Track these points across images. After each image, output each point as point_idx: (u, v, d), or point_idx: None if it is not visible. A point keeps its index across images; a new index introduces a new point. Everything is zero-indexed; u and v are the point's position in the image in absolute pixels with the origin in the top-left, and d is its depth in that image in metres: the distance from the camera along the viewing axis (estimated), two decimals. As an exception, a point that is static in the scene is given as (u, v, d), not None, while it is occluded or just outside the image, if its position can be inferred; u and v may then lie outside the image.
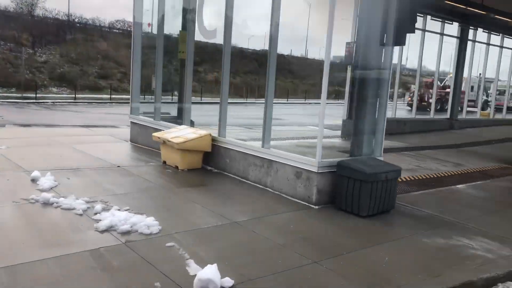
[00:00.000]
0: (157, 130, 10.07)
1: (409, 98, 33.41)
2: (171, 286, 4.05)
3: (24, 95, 26.30)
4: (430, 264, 4.99)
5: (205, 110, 17.25)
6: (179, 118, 11.26)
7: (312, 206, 6.79)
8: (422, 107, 26.30)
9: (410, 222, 6.51)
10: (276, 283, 4.29)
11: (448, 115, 21.12)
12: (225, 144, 8.56)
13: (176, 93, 12.16)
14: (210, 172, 8.66)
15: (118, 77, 36.35)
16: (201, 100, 28.83)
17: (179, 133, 8.81)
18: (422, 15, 18.14)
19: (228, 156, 8.49)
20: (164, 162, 9.01)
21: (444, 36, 19.75)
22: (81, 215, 5.66)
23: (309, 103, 37.03)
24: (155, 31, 10.85)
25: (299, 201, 6.99)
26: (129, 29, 44.55)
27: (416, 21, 7.32)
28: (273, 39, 7.64)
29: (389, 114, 15.36)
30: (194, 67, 10.09)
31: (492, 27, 21.30)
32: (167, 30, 10.94)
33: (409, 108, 29.28)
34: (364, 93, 7.33)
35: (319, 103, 6.90)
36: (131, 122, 11.65)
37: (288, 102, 37.08)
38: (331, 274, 4.56)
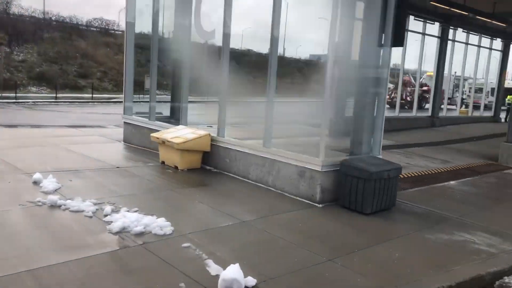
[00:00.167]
0: (152, 130, 10.01)
1: (388, 97, 33.87)
2: (196, 287, 4.10)
3: (2, 95, 25.67)
4: (438, 260, 5.16)
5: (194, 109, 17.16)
6: (172, 118, 11.25)
7: (316, 204, 6.91)
8: (400, 105, 26.76)
9: (412, 218, 6.69)
10: (296, 281, 4.38)
11: (429, 113, 21.63)
12: (225, 144, 8.60)
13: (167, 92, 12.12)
14: (209, 171, 8.69)
15: (98, 76, 35.86)
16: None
17: (177, 133, 8.81)
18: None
19: (228, 155, 8.53)
20: (163, 162, 8.99)
21: (425, 36, 20.21)
22: (91, 217, 5.64)
23: (292, 101, 37.16)
24: (149, 31, 10.78)
25: (302, 199, 7.10)
26: (107, 27, 44.04)
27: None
28: (274, 39, 7.73)
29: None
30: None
31: (471, 27, 21.90)
32: (160, 29, 10.90)
33: (388, 106, 29.67)
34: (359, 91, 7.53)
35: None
36: (124, 122, 11.54)
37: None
38: (347, 272, 4.68)
